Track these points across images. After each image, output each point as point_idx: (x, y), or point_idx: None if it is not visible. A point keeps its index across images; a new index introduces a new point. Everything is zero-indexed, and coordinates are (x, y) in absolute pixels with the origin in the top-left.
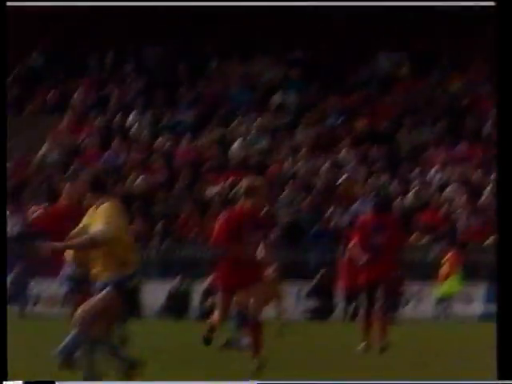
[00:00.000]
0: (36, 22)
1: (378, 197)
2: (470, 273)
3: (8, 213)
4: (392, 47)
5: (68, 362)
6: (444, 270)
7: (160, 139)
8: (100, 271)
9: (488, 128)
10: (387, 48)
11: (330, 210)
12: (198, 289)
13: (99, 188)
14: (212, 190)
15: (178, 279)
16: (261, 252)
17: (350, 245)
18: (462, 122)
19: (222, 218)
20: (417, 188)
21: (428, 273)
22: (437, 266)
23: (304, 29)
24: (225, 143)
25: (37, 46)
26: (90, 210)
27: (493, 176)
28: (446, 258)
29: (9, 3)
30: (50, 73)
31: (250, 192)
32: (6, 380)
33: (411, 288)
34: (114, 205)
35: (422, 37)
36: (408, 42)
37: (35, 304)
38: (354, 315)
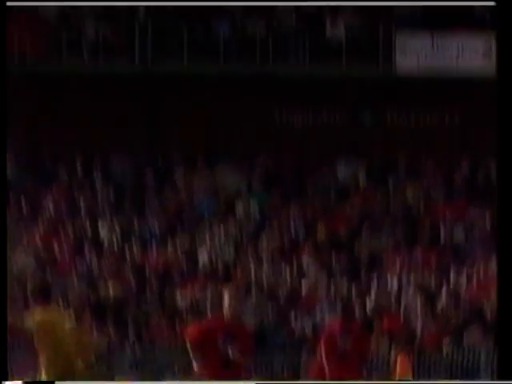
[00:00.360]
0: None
1: (342, 302)
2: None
3: None
4: (350, 156)
5: None
6: (396, 372)
7: (129, 246)
8: None
9: (443, 233)
10: (345, 157)
11: (294, 316)
12: None
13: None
14: (182, 298)
15: None
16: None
17: (317, 351)
18: (418, 228)
19: (193, 328)
20: (375, 293)
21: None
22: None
23: (266, 136)
24: (191, 251)
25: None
26: None
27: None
28: (399, 360)
29: (9, 3)
30: (21, 181)
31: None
32: (7, 380)
33: None
34: None
35: (379, 146)
36: (365, 151)
37: None
38: None
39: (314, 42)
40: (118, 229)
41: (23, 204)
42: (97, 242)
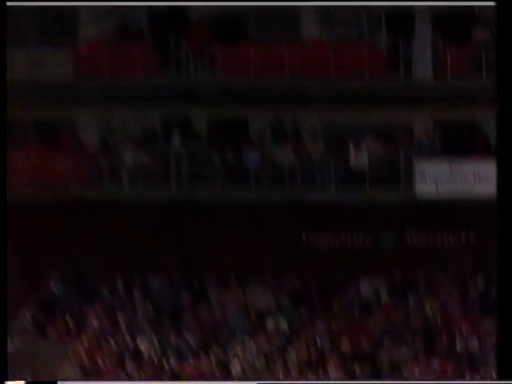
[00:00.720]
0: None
1: None
2: None
3: None
4: (372, 274)
5: None
6: None
7: (166, 359)
8: None
9: (459, 345)
10: (368, 275)
11: None
12: None
13: None
14: None
15: None
16: None
17: None
18: (436, 340)
19: None
20: None
21: None
22: None
23: (294, 257)
24: (225, 363)
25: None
26: None
27: None
28: None
29: (9, 3)
30: (66, 298)
31: None
32: (7, 380)
33: None
34: None
35: (399, 265)
36: (386, 270)
37: None
38: None
39: (339, 170)
40: (156, 343)
41: (68, 319)
42: (137, 355)
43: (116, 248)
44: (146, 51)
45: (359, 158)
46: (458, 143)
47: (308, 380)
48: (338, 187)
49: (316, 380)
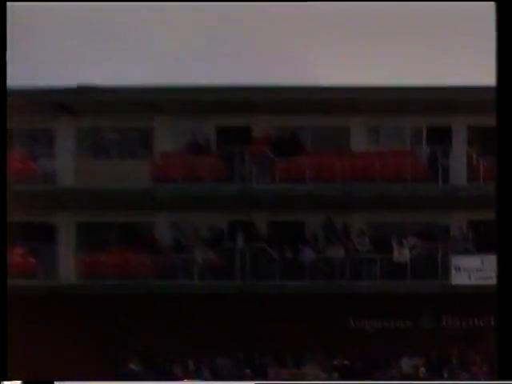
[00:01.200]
0: None
1: None
2: None
3: None
4: (412, 354)
5: None
6: None
7: None
8: None
9: None
10: (408, 354)
11: None
12: None
13: None
14: None
15: None
16: None
17: None
18: None
19: None
20: None
21: None
22: None
23: (343, 342)
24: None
25: None
26: None
27: None
28: None
29: (9, 3)
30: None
31: None
32: (6, 380)
33: None
34: None
35: (435, 346)
36: (424, 350)
37: None
38: None
39: (384, 264)
40: None
41: None
42: None
43: (188, 334)
44: (214, 162)
45: (401, 253)
46: (488, 240)
47: None
48: (382, 279)
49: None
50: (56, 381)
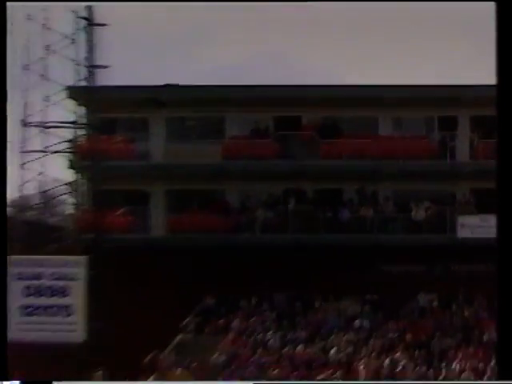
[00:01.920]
0: None
1: None
2: None
3: None
4: (427, 292)
5: None
6: None
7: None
8: None
9: (487, 337)
10: (424, 292)
11: None
12: None
13: None
14: None
15: None
16: None
17: None
18: (471, 334)
19: None
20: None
21: None
22: None
23: (373, 282)
24: (325, 351)
25: None
26: None
27: None
28: None
29: (9, 3)
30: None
31: None
32: (7, 380)
33: None
34: None
35: (445, 286)
36: (437, 289)
37: None
38: None
39: (404, 222)
40: (279, 337)
41: (219, 323)
42: (265, 345)
43: (251, 275)
44: (271, 144)
45: (418, 213)
46: (485, 204)
47: (310, 380)
48: (403, 233)
49: (317, 380)
50: (56, 381)
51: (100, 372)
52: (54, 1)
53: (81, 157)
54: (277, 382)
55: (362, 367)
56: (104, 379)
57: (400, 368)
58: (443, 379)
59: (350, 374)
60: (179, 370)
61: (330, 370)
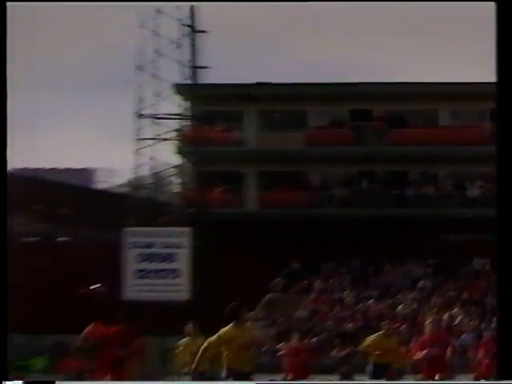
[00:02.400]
0: None
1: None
2: None
3: None
4: (480, 258)
5: None
6: None
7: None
8: None
9: None
10: (478, 258)
11: None
12: None
13: None
14: None
15: None
16: None
17: None
18: None
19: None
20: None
21: None
22: None
23: (433, 249)
24: (393, 307)
25: None
26: None
27: None
28: None
29: (9, 3)
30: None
31: None
32: (7, 380)
33: None
34: None
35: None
36: (489, 255)
37: None
38: None
39: (461, 198)
40: (354, 295)
41: (303, 284)
42: (342, 302)
43: (330, 243)
44: (348, 133)
45: (472, 191)
46: None
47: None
48: (459, 207)
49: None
50: (57, 381)
51: (191, 325)
52: (57, 1)
53: (186, 143)
54: (277, 382)
55: (424, 321)
56: (191, 332)
57: (457, 322)
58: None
59: (415, 326)
60: (250, 323)
61: (398, 324)
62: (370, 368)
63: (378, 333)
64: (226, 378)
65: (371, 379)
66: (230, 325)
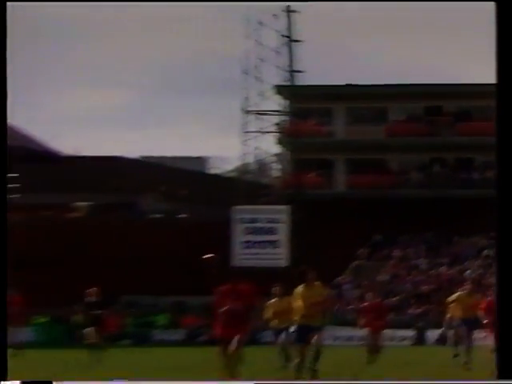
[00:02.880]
0: None
1: None
2: None
3: None
4: None
5: None
6: None
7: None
8: None
9: None
10: None
11: None
12: None
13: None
14: None
15: None
16: None
17: None
18: None
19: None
20: None
21: None
22: None
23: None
24: (461, 272)
25: None
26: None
27: None
28: None
29: (9, 3)
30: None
31: None
32: (5, 380)
33: None
34: None
35: None
36: None
37: None
38: None
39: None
40: (427, 262)
41: (384, 253)
42: (416, 268)
43: (407, 218)
44: (422, 126)
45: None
46: None
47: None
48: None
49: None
50: (56, 381)
51: (277, 288)
52: (55, 0)
53: (285, 135)
54: (277, 381)
55: (488, 282)
56: (277, 294)
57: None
58: None
59: (480, 287)
60: (318, 284)
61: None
62: (453, 322)
63: (460, 292)
64: (295, 332)
65: (456, 333)
66: (301, 285)
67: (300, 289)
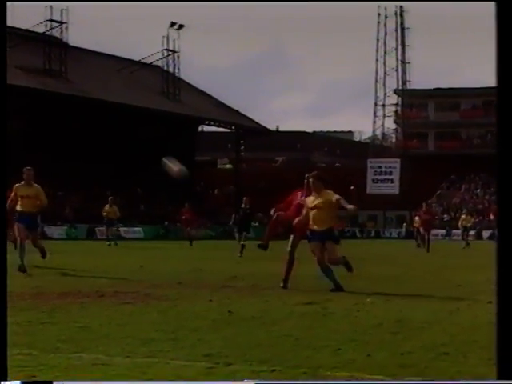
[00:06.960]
0: None
1: None
2: None
3: None
4: None
5: None
6: None
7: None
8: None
9: None
10: None
11: None
12: None
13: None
14: None
15: None
16: None
17: None
18: None
19: None
20: None
21: None
22: None
23: None
24: None
25: None
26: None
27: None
28: None
29: (9, 3)
30: None
31: None
32: (6, 380)
33: None
34: None
35: None
36: None
37: None
38: None
39: None
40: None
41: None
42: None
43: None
44: (480, 112)
45: None
46: None
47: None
48: None
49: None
50: (56, 381)
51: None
52: (55, 0)
53: (399, 118)
54: (277, 381)
55: None
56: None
57: None
58: None
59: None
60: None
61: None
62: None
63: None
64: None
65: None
66: (312, 194)
67: (310, 197)
